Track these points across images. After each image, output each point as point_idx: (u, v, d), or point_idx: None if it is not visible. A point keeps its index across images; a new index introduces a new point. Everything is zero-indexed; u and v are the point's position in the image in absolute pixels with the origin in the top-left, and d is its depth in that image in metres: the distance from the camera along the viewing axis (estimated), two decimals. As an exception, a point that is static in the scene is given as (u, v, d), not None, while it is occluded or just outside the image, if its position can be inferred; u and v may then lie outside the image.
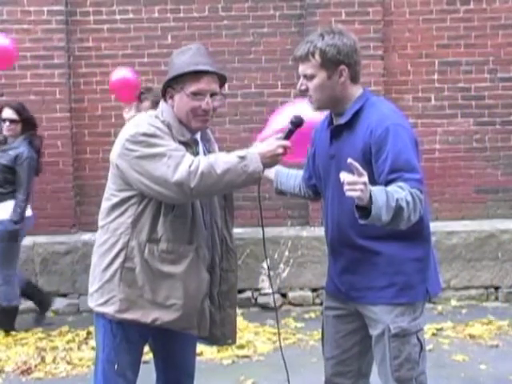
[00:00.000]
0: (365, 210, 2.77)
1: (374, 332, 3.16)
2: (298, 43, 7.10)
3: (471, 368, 5.33)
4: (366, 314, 3.19)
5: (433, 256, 3.29)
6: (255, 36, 7.33)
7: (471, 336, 6.04)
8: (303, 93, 3.17)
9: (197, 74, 3.08)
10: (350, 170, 2.78)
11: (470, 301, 7.05)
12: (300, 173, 3.61)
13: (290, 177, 3.64)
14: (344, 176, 2.73)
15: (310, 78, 3.11)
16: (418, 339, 3.14)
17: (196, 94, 3.08)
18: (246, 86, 7.30)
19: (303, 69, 3.12)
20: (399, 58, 7.34)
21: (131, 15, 7.31)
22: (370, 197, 2.74)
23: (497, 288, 7.15)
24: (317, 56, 3.07)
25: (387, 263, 3.10)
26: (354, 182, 2.71)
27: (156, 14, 7.31)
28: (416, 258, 3.14)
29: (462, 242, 7.07)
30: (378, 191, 2.78)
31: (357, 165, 2.73)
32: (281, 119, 3.88)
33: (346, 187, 2.72)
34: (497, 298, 7.14)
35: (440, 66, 7.31)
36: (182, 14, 7.31)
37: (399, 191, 2.85)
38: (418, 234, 3.15)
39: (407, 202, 2.84)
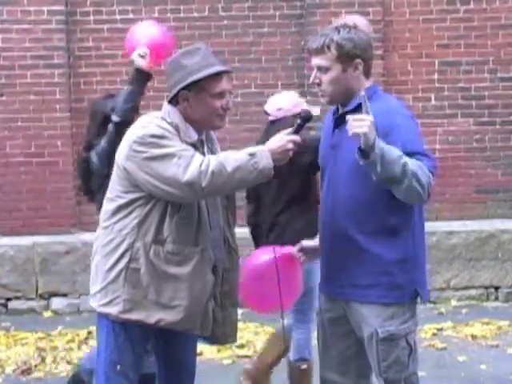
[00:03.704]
0: (366, 157, 2.81)
1: (363, 334, 3.14)
2: (298, 43, 7.26)
3: (471, 368, 5.33)
4: (353, 314, 3.16)
5: (425, 258, 3.25)
6: (255, 36, 7.32)
7: (471, 336, 6.04)
8: (316, 86, 3.16)
9: (218, 75, 3.11)
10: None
11: (470, 301, 7.05)
12: None
13: None
14: (350, 116, 2.79)
15: (324, 70, 3.09)
16: (408, 342, 3.11)
17: (220, 94, 3.11)
18: (246, 86, 7.29)
19: (318, 61, 3.11)
20: (399, 58, 7.34)
21: (131, 15, 7.30)
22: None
23: (497, 288, 7.15)
24: (333, 49, 3.06)
25: (373, 262, 3.07)
26: (361, 119, 2.77)
27: (156, 14, 7.30)
28: (403, 258, 3.09)
29: (461, 241, 7.07)
30: (382, 142, 2.83)
31: (367, 103, 2.79)
32: None
33: (352, 124, 2.77)
34: (497, 298, 7.14)
35: (440, 66, 7.30)
36: (182, 14, 7.31)
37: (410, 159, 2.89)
38: (409, 232, 3.10)
39: (413, 169, 2.85)
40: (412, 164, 2.87)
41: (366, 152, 2.81)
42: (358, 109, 3.05)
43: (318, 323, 3.42)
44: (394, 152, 2.84)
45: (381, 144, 2.81)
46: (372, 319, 3.08)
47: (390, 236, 3.07)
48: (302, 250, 3.43)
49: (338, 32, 3.09)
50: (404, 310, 3.12)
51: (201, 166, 2.92)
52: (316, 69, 3.13)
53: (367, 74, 3.16)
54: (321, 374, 3.37)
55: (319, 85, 3.13)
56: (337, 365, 3.29)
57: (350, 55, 3.08)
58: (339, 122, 3.16)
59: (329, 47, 3.07)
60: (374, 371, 3.17)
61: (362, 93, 2.84)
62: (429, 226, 3.34)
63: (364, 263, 3.08)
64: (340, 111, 3.20)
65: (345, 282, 3.14)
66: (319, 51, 3.09)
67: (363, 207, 3.05)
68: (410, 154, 2.93)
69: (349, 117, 2.81)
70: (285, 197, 4.36)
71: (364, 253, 3.08)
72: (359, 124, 2.77)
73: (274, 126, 4.40)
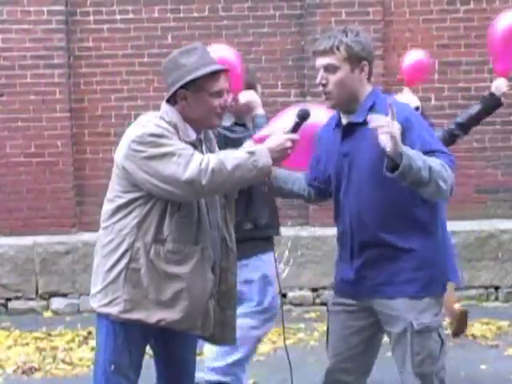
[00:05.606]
0: (393, 168, 2.84)
1: (394, 329, 3.15)
2: (298, 43, 7.27)
3: (471, 368, 5.33)
4: (383, 311, 3.18)
5: (449, 245, 3.30)
6: (255, 36, 7.32)
7: (471, 336, 6.04)
8: (321, 87, 3.18)
9: (215, 74, 3.12)
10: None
11: (470, 301, 7.04)
12: (300, 174, 3.55)
13: (291, 174, 3.53)
14: (373, 117, 2.85)
15: (333, 70, 3.13)
16: (439, 335, 3.15)
17: (218, 93, 3.12)
18: (246, 86, 7.28)
19: (327, 61, 3.14)
20: (399, 57, 7.33)
21: (131, 15, 7.30)
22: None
23: (497, 288, 7.15)
24: (342, 50, 3.12)
25: (409, 258, 3.12)
26: (389, 121, 2.80)
27: (156, 14, 7.31)
28: (437, 251, 3.17)
29: (461, 241, 7.06)
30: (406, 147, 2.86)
31: (394, 108, 2.83)
32: (282, 121, 3.86)
33: (381, 130, 2.79)
34: (497, 298, 7.14)
35: (440, 66, 7.30)
36: (182, 14, 7.31)
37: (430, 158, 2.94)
38: (438, 225, 3.18)
39: (438, 170, 2.89)
40: (435, 164, 2.91)
41: (392, 161, 2.82)
42: (365, 123, 3.07)
43: (327, 317, 3.40)
44: (418, 157, 2.86)
45: (407, 151, 2.83)
46: (406, 313, 3.11)
47: (423, 232, 3.13)
48: None
49: (346, 34, 3.14)
50: (435, 302, 3.18)
51: (201, 164, 2.93)
52: (323, 69, 3.16)
53: (369, 77, 3.22)
54: (328, 370, 3.38)
55: (325, 85, 3.16)
56: (343, 360, 3.32)
57: (359, 57, 3.14)
58: (347, 130, 3.20)
59: (338, 48, 3.12)
60: (404, 367, 3.15)
61: (389, 101, 2.89)
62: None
63: (400, 260, 3.12)
64: (344, 120, 3.22)
65: (379, 280, 3.16)
66: (328, 52, 3.13)
67: (393, 207, 3.09)
68: (429, 152, 2.99)
69: (371, 117, 2.86)
70: None
71: (399, 250, 3.12)
72: (389, 129, 2.78)
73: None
